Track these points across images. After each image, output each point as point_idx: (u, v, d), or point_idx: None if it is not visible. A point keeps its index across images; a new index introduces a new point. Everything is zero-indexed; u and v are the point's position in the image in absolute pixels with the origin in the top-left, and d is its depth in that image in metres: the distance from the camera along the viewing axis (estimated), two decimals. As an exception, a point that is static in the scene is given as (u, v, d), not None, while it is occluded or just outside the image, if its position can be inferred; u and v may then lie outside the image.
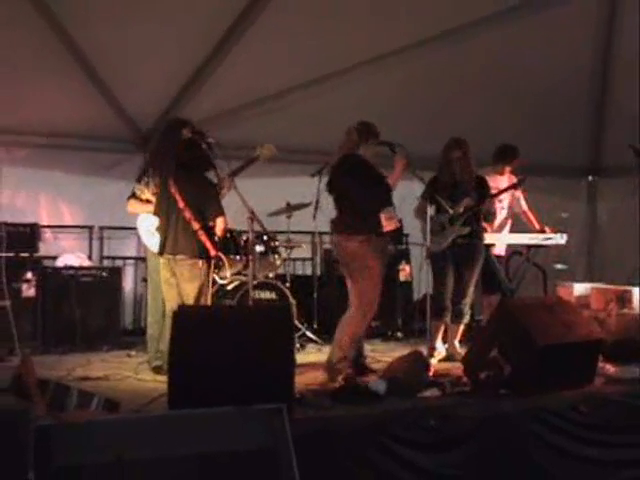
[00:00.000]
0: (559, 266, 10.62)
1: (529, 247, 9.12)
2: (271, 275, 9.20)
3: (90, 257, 9.77)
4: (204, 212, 6.97)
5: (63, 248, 9.69)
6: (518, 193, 9.11)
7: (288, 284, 9.22)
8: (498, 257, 9.00)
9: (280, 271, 9.51)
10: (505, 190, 8.67)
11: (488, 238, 8.42)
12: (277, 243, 9.17)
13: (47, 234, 9.60)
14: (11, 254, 8.42)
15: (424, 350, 7.19)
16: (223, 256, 7.25)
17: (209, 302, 7.06)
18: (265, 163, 8.29)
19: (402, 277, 10.25)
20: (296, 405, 5.31)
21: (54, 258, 9.29)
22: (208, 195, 7.04)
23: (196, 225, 6.88)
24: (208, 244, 6.90)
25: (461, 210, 7.90)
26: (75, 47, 8.32)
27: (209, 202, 7.01)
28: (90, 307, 8.80)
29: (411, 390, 6.04)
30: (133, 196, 7.63)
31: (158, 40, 8.36)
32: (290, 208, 9.35)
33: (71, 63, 8.49)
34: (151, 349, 7.46)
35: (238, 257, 8.45)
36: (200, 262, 6.90)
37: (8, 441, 3.81)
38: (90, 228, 9.93)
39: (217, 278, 7.84)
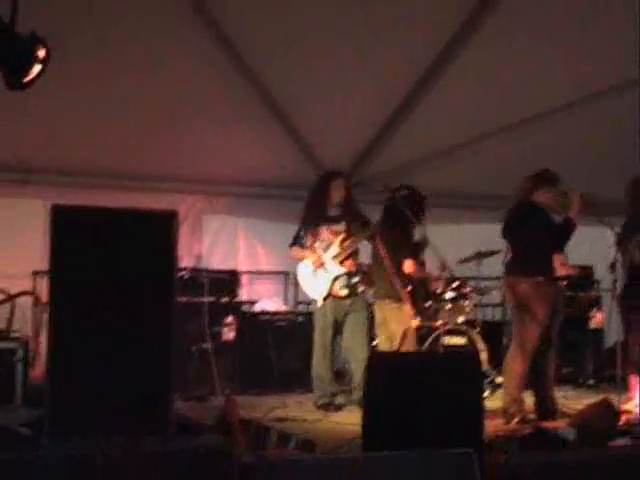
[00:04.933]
0: None
1: None
2: (461, 321, 9.27)
3: (285, 302, 10.14)
4: (397, 259, 7.58)
5: (260, 293, 10.09)
6: None
7: (478, 330, 9.27)
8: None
9: (470, 317, 9.57)
10: None
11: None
12: (468, 289, 9.25)
13: (244, 279, 10.03)
14: (212, 299, 8.87)
15: (614, 397, 7.06)
16: (409, 303, 7.53)
17: (413, 344, 7.59)
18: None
19: (593, 324, 10.13)
20: (485, 450, 5.37)
21: (252, 303, 9.71)
22: (400, 244, 7.68)
23: (392, 271, 7.44)
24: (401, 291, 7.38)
25: None
26: (270, 97, 8.55)
27: (400, 250, 7.65)
28: (285, 350, 9.17)
29: (602, 438, 5.97)
30: (295, 243, 8.27)
31: (351, 88, 8.47)
32: (479, 255, 9.42)
33: (266, 113, 8.74)
34: (320, 389, 7.93)
35: (428, 303, 8.64)
36: (406, 306, 7.42)
37: (214, 476, 4.04)
38: (286, 274, 10.25)
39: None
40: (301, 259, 8.20)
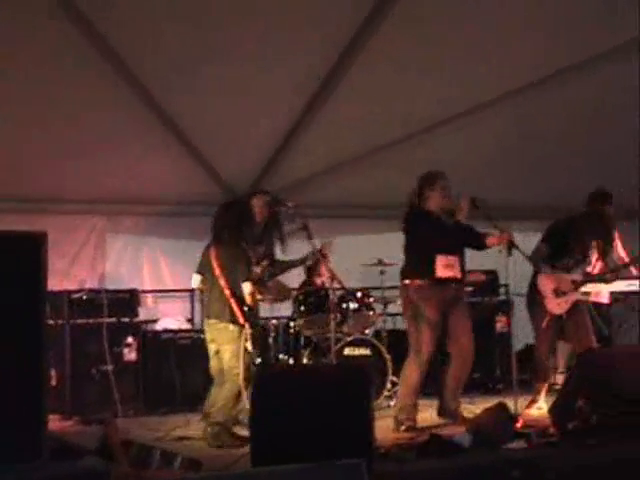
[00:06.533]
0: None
1: (627, 294, 8.99)
2: (367, 331, 9.30)
3: (192, 320, 10.02)
4: (234, 279, 7.19)
5: (166, 312, 9.99)
6: (617, 240, 8.92)
7: (384, 339, 9.28)
8: (600, 305, 8.89)
9: (376, 327, 9.59)
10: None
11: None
12: (371, 299, 9.27)
13: (148, 298, 9.93)
14: (112, 320, 8.74)
15: (516, 401, 7.08)
16: (248, 327, 7.13)
17: (243, 365, 7.00)
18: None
19: (499, 328, 10.20)
20: (379, 460, 5.37)
21: (154, 322, 9.60)
22: (237, 263, 7.21)
23: (228, 292, 7.11)
24: (238, 313, 7.07)
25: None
26: (168, 118, 8.44)
27: (236, 270, 7.20)
28: (189, 369, 9.04)
29: (496, 442, 6.02)
30: None
31: (248, 104, 8.41)
32: (380, 263, 9.45)
33: (165, 133, 8.63)
34: None
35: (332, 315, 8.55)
36: (230, 326, 7.08)
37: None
38: (191, 291, 10.14)
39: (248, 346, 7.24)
40: None
